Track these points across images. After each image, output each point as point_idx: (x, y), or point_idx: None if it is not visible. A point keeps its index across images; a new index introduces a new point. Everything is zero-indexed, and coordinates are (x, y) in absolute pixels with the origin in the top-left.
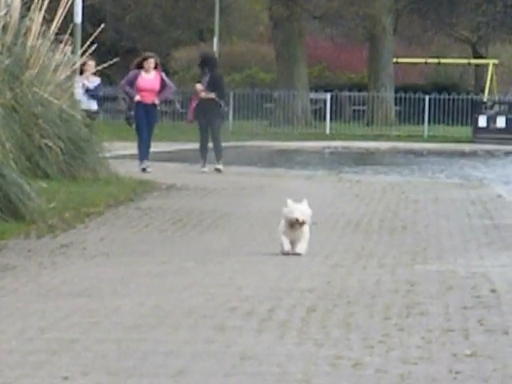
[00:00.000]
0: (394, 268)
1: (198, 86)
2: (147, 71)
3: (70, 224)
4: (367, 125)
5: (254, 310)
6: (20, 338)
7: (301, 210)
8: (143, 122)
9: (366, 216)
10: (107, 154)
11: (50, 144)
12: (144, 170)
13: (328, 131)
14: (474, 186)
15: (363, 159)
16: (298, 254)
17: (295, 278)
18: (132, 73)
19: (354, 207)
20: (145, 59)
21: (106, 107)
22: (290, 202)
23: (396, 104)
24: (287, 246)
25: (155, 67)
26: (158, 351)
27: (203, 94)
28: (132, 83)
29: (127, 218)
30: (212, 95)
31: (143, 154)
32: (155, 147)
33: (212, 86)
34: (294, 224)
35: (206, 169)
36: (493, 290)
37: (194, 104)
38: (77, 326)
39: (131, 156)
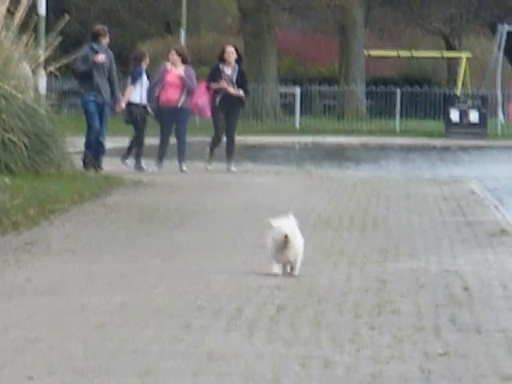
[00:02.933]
0: (364, 265)
1: (223, 83)
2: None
3: (34, 221)
4: (338, 119)
5: (222, 309)
6: None
7: (288, 224)
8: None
9: (336, 212)
10: (72, 150)
11: (14, 139)
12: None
13: (298, 126)
14: (446, 181)
15: (334, 154)
16: (295, 276)
17: (264, 275)
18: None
19: (325, 203)
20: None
21: (70, 101)
22: (273, 221)
23: (367, 98)
24: (276, 268)
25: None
26: (124, 350)
27: (232, 91)
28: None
29: (93, 214)
30: (241, 93)
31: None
32: (118, 142)
33: (240, 81)
34: (286, 243)
35: (211, 167)
36: (465, 288)
37: (207, 99)
38: (42, 324)
39: None
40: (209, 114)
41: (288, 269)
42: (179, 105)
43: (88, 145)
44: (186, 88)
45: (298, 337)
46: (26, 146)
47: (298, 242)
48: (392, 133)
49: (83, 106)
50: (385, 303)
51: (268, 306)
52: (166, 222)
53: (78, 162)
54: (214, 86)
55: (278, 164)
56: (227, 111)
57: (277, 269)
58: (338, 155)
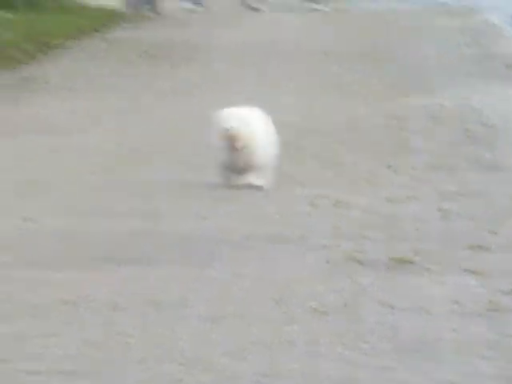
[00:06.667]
0: (375, 102)
1: None
2: None
3: (32, 56)
4: None
5: None
6: None
7: (240, 115)
8: None
9: (346, 45)
10: None
11: None
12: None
13: None
14: (463, 12)
15: None
16: (258, 187)
17: (269, 111)
18: None
19: (334, 36)
20: None
21: None
22: (224, 110)
23: None
24: (227, 177)
25: None
26: (128, 191)
27: None
28: None
29: (93, 50)
30: None
31: None
32: None
33: None
34: (231, 141)
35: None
36: (484, 124)
37: None
38: (43, 165)
39: None
40: None
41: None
42: None
43: None
44: None
45: (308, 176)
46: None
47: (255, 140)
48: None
49: None
50: (402, 142)
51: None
52: (170, 57)
53: None
54: None
55: None
56: None
57: (226, 176)
58: None
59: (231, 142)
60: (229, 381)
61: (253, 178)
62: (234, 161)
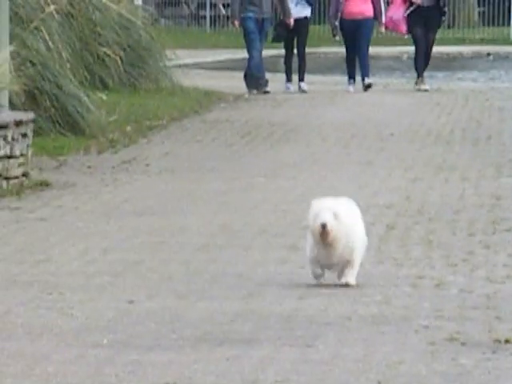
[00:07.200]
0: (478, 181)
1: None
2: None
3: (131, 138)
4: (448, 27)
5: None
6: (82, 260)
7: (333, 207)
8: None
9: (447, 126)
10: (170, 64)
11: (109, 53)
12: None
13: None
14: None
15: (444, 65)
16: (347, 285)
17: (373, 193)
18: None
19: (435, 117)
20: None
21: (166, 13)
22: (315, 202)
23: (479, 5)
24: (317, 271)
25: None
26: (228, 273)
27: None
28: None
29: (192, 131)
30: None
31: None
32: (221, 55)
33: None
34: (324, 235)
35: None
36: None
37: (400, 13)
38: (141, 246)
39: (195, 65)
40: (403, 29)
41: (337, 276)
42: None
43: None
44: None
45: (409, 257)
46: (121, 59)
47: (349, 235)
48: (506, 41)
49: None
50: (500, 220)
51: (377, 225)
52: (269, 138)
53: (178, 76)
54: None
55: (384, 76)
56: (425, 24)
57: (317, 272)
58: (448, 66)
59: (324, 237)
60: None
61: (350, 278)
62: (326, 256)
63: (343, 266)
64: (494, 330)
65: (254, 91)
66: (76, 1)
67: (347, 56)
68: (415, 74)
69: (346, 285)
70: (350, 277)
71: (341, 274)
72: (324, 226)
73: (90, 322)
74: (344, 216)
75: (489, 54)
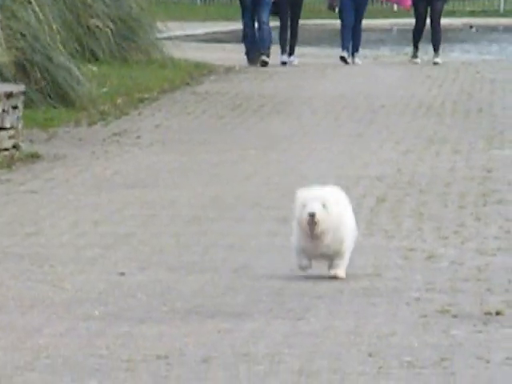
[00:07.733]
0: (468, 154)
1: None
2: None
3: (122, 110)
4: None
5: None
6: (73, 232)
7: (321, 197)
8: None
9: (438, 98)
10: (161, 35)
11: (100, 25)
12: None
13: (396, 8)
14: None
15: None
16: (335, 278)
17: (363, 165)
18: None
19: (426, 89)
20: None
21: None
22: (301, 192)
23: None
24: (303, 262)
25: None
26: (219, 245)
27: None
28: None
29: (183, 103)
30: None
31: (346, 41)
32: (211, 27)
33: None
34: (312, 226)
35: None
36: None
37: None
38: (132, 219)
39: (187, 37)
40: (406, 3)
41: (327, 267)
42: None
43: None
44: None
45: (400, 229)
46: (112, 31)
47: (338, 226)
48: (496, 12)
49: None
50: (490, 193)
51: (368, 197)
52: (260, 110)
53: (169, 48)
54: None
55: (375, 48)
56: None
57: (304, 263)
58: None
59: (313, 228)
60: None
61: (339, 270)
62: (314, 247)
63: (332, 257)
64: (485, 302)
65: (257, 64)
66: None
67: (343, 28)
68: (407, 48)
69: (335, 277)
70: (340, 269)
71: (331, 264)
72: (312, 216)
73: (80, 294)
74: (333, 205)
75: (471, 27)
